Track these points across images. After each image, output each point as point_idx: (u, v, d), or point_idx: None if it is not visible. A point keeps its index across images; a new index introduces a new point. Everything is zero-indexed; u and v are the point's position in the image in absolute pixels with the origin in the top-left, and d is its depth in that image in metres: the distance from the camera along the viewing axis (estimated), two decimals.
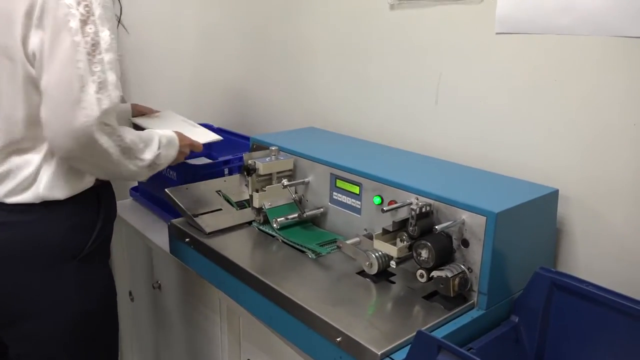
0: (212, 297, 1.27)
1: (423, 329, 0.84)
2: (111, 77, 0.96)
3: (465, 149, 1.18)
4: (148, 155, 1.07)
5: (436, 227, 0.89)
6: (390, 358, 0.79)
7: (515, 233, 0.92)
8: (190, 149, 1.21)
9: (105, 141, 0.95)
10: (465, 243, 0.91)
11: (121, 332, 1.88)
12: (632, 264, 0.96)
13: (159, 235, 1.50)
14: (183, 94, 2.21)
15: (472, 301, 0.92)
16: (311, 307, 0.90)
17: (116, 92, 0.96)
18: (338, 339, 0.84)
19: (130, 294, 1.79)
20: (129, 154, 1.02)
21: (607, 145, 0.97)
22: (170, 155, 1.13)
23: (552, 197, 0.99)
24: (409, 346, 0.81)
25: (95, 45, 0.94)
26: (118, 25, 1.12)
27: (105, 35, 0.95)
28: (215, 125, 1.88)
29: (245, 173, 1.17)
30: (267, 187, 1.18)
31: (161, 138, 1.11)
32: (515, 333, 0.93)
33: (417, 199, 0.97)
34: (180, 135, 1.18)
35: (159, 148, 1.09)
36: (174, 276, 1.43)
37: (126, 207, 1.74)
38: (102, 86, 0.94)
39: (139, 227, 1.58)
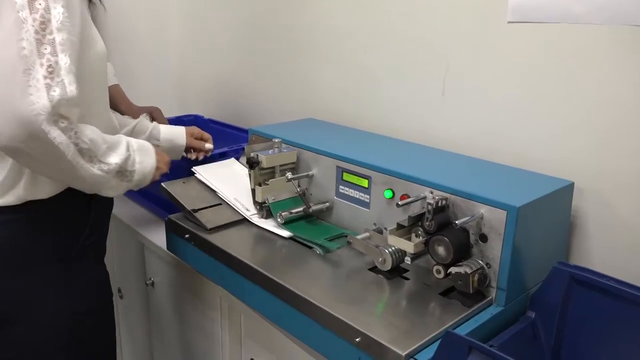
0: (211, 295, 1.23)
1: (445, 327, 0.82)
2: (64, 60, 0.83)
3: (474, 141, 1.16)
4: (114, 159, 0.95)
5: (456, 222, 0.86)
6: (415, 359, 0.76)
7: (534, 227, 0.90)
8: (169, 167, 1.13)
9: (57, 136, 0.83)
10: (483, 238, 0.89)
11: None
12: None
13: (151, 231, 1.45)
14: (170, 84, 2.15)
15: (490, 297, 0.90)
16: (326, 306, 0.86)
17: (72, 78, 0.84)
18: (357, 339, 0.81)
19: (119, 291, 1.73)
20: (88, 156, 0.89)
21: (621, 137, 0.95)
22: (147, 163, 1.03)
23: (567, 190, 0.97)
24: (431, 345, 0.79)
25: (45, 24, 0.82)
26: (91, 5, 1.03)
27: (57, 13, 0.83)
28: (206, 117, 1.83)
29: (248, 166, 1.13)
30: (269, 180, 1.14)
31: (130, 141, 1.01)
32: (532, 329, 0.92)
33: (432, 193, 0.94)
34: (157, 150, 1.08)
35: (127, 150, 0.98)
36: (169, 273, 1.38)
37: (115, 201, 1.67)
38: (52, 70, 0.82)
39: (129, 222, 1.52)
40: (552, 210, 0.94)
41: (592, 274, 0.87)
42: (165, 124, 1.63)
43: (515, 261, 0.87)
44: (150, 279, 1.47)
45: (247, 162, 1.13)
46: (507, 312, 0.89)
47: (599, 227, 1.00)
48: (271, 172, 1.16)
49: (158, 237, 1.41)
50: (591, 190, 1.00)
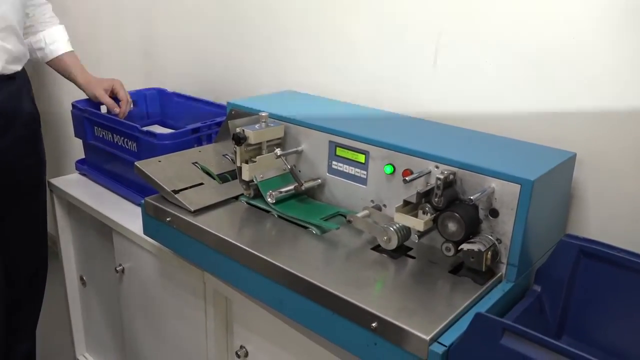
0: (195, 280, 1.15)
1: (463, 307, 0.79)
2: None
3: (469, 113, 1.12)
4: None
5: (470, 197, 0.82)
6: (439, 342, 0.72)
7: (544, 200, 0.88)
8: None
9: None
10: (494, 213, 0.86)
11: (73, 320, 1.71)
12: None
13: (118, 214, 1.35)
14: (134, 54, 2.00)
15: (501, 273, 0.87)
16: (335, 290, 0.81)
17: None
18: (373, 325, 0.76)
19: (81, 278, 1.62)
20: None
21: (620, 107, 0.94)
22: None
23: (570, 161, 0.95)
24: (453, 327, 0.76)
25: None
26: None
27: None
28: (170, 90, 1.71)
29: (234, 142, 1.05)
30: (257, 157, 1.07)
31: None
32: (539, 303, 0.90)
33: (438, 167, 0.90)
34: None
35: None
36: (143, 259, 1.29)
37: (73, 183, 1.55)
38: None
39: (93, 205, 1.41)
40: (557, 183, 0.93)
41: (601, 246, 0.86)
42: (126, 98, 1.52)
43: (527, 236, 0.85)
44: (120, 265, 1.38)
45: (233, 138, 1.04)
46: (516, 287, 0.87)
47: (598, 198, 1.00)
48: (258, 149, 1.08)
49: (127, 220, 1.31)
50: (591, 161, 0.99)
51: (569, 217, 1.03)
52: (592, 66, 0.96)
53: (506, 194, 0.84)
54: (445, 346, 0.71)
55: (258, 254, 0.91)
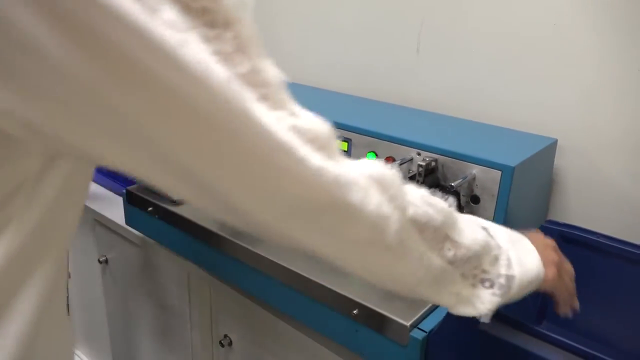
0: (178, 270, 1.14)
1: None
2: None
3: (450, 99, 1.12)
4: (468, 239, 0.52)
5: (452, 184, 0.82)
6: (419, 329, 0.72)
7: (525, 186, 0.88)
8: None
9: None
10: (475, 199, 0.86)
11: None
12: (627, 212, 0.96)
13: (100, 204, 1.33)
14: None
15: None
16: (317, 278, 0.81)
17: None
18: (354, 312, 0.76)
19: None
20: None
21: (602, 94, 0.94)
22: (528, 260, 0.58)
23: (551, 147, 0.96)
24: (433, 313, 0.76)
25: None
26: None
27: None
28: None
29: None
30: None
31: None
32: None
33: (420, 154, 0.90)
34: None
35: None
36: (126, 250, 1.28)
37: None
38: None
39: None
40: (538, 169, 0.93)
41: (581, 231, 0.87)
42: None
43: (508, 222, 0.85)
44: (103, 256, 1.36)
45: None
46: None
47: (579, 184, 1.00)
48: None
49: (110, 211, 1.30)
50: (571, 147, 0.99)
51: (551, 203, 1.04)
52: (572, 53, 0.96)
53: (487, 180, 0.84)
54: (426, 332, 0.72)
55: (240, 243, 0.91)
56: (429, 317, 0.75)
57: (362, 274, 0.51)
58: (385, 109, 1.12)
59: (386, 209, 0.44)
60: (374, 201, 0.43)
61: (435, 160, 0.88)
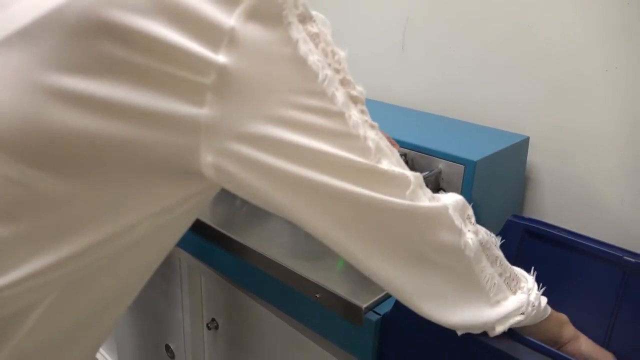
0: (170, 257, 1.21)
1: None
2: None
3: (433, 96, 1.16)
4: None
5: None
6: (374, 312, 0.77)
7: (491, 181, 0.91)
8: None
9: None
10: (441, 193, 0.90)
11: None
12: (597, 209, 0.98)
13: None
14: None
15: None
16: (286, 263, 0.86)
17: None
18: (317, 295, 0.81)
19: None
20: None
21: (577, 92, 0.97)
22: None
23: (523, 144, 0.98)
24: (390, 299, 0.80)
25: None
26: None
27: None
28: None
29: None
30: None
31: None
32: None
33: None
34: None
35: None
36: None
37: None
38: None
39: None
40: (508, 165, 0.96)
41: (545, 226, 0.89)
42: None
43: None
44: None
45: None
46: None
47: (552, 181, 1.03)
48: None
49: None
50: (545, 145, 1.02)
51: (525, 199, 1.07)
52: (546, 52, 0.98)
53: (452, 174, 0.88)
54: (380, 315, 0.76)
55: (219, 229, 0.96)
56: (386, 302, 0.79)
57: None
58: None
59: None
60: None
61: (405, 155, 0.92)
